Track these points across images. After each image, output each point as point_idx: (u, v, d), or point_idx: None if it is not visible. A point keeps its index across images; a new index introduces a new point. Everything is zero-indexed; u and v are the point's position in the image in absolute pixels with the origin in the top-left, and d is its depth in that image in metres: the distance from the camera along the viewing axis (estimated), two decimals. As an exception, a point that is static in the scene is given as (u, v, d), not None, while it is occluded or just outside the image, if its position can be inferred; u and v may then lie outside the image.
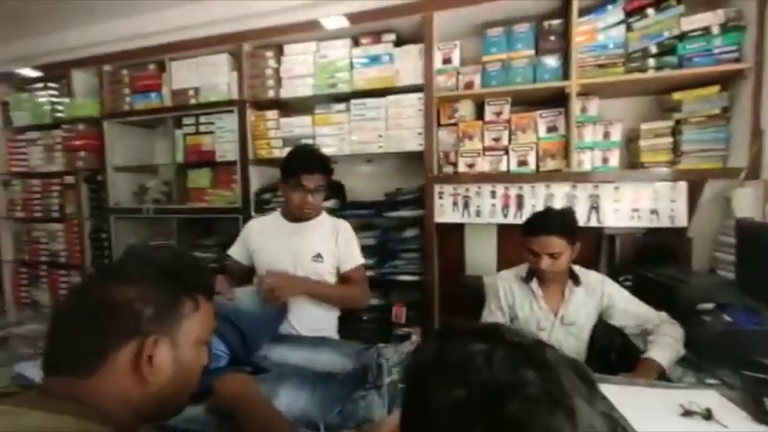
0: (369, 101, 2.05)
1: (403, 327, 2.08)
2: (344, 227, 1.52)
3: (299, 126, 2.20)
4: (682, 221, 1.69)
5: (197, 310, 0.57)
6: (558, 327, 1.29)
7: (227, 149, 2.35)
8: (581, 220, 1.79)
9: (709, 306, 1.26)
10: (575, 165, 1.79)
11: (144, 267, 0.55)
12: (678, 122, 1.72)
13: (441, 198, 2.00)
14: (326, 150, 2.16)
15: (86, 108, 2.63)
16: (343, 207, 2.25)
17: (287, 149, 2.20)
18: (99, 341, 0.50)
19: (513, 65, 1.87)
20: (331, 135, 2.13)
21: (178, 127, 2.45)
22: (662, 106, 1.87)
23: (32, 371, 0.91)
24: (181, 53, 2.39)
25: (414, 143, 1.99)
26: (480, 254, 2.20)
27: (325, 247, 1.44)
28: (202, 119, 2.39)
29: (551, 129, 1.88)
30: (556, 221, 1.26)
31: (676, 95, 1.72)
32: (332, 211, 2.17)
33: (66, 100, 2.73)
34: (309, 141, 2.19)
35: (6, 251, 3.11)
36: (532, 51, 1.84)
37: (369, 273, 1.84)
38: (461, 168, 1.99)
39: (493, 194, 1.93)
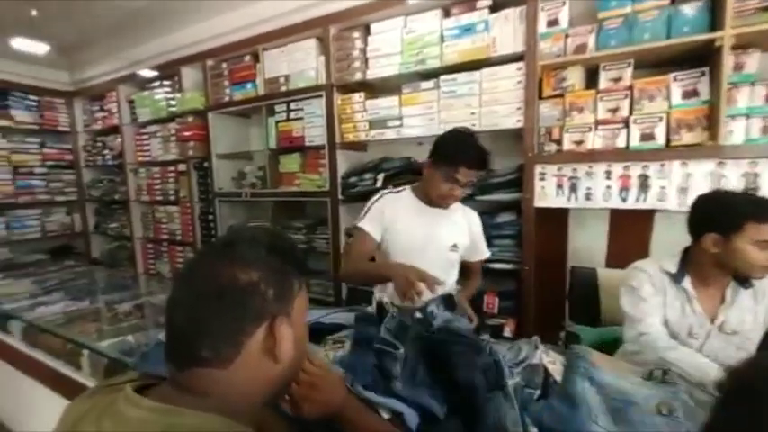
0: (460, 76, 1.91)
1: (494, 317, 1.96)
2: (476, 218, 1.49)
3: (385, 107, 2.15)
4: None
5: (301, 288, 0.56)
6: (716, 335, 1.06)
7: (315, 134, 2.41)
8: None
9: None
10: (723, 137, 1.45)
11: (257, 249, 0.54)
12: None
13: (542, 180, 1.80)
14: (414, 131, 2.09)
15: (194, 101, 2.90)
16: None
17: (374, 132, 2.21)
18: (235, 329, 0.49)
19: (640, 19, 1.56)
20: (418, 115, 2.04)
21: (271, 114, 2.57)
22: None
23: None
24: (272, 42, 2.49)
25: (511, 119, 1.81)
26: (587, 244, 1.96)
27: (460, 237, 1.41)
28: (292, 105, 2.47)
29: (689, 94, 1.54)
30: None
31: None
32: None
33: (178, 95, 3.04)
34: (396, 123, 2.13)
35: (137, 229, 3.66)
36: (666, 0, 1.52)
37: (459, 259, 1.75)
38: (567, 146, 1.76)
39: (608, 175, 1.67)
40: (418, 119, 2.05)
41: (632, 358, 1.06)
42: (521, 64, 1.76)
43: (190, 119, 2.94)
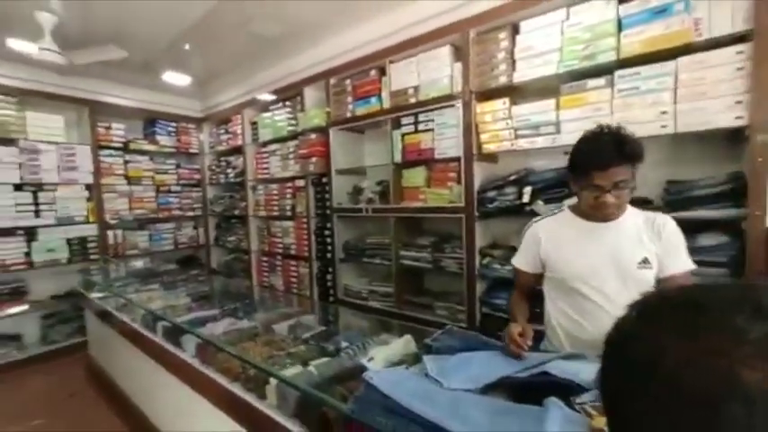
0: (644, 68, 1.59)
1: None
2: (669, 222, 1.17)
3: (536, 112, 1.90)
4: None
5: None
6: None
7: (447, 146, 2.25)
8: None
9: None
10: None
11: (759, 323, 0.31)
12: None
13: (777, 192, 1.38)
14: (575, 137, 1.78)
15: (316, 118, 2.97)
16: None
17: (522, 141, 1.97)
18: None
19: None
20: (584, 118, 1.75)
21: (396, 127, 2.49)
22: None
23: (379, 382, 0.87)
24: (400, 54, 2.42)
25: (727, 116, 1.44)
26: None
27: (648, 249, 1.14)
28: (421, 117, 2.35)
29: None
30: None
31: None
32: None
33: (300, 114, 3.15)
34: (551, 129, 1.87)
35: (253, 243, 3.85)
36: None
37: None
38: (811, 147, 1.33)
39: None
40: (583, 122, 1.76)
41: None
42: (741, 47, 1.39)
43: (312, 136, 3.01)
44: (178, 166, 4.29)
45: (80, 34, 2.66)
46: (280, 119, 3.40)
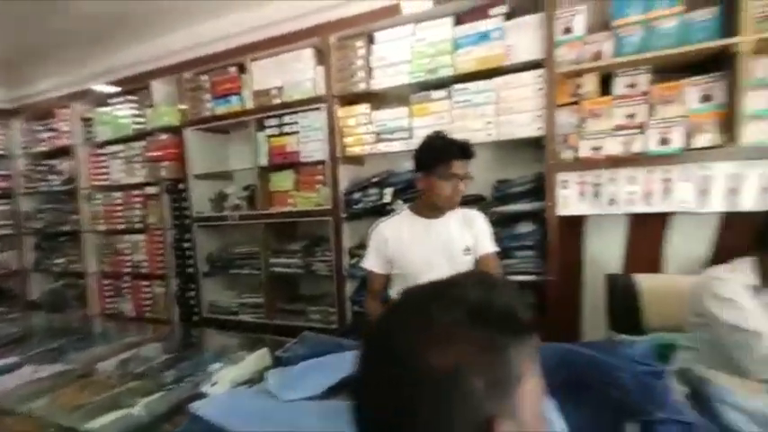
0: (474, 84, 1.85)
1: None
2: (478, 216, 1.45)
3: (393, 118, 2.04)
4: None
5: (531, 365, 0.37)
6: None
7: (313, 149, 2.23)
8: (752, 203, 1.50)
9: None
10: (742, 138, 1.49)
11: (455, 316, 0.35)
12: None
13: (565, 188, 1.75)
14: (424, 142, 1.99)
15: (167, 117, 2.61)
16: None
17: (381, 144, 2.08)
18: None
19: (655, 26, 1.60)
20: (430, 126, 1.93)
21: (260, 129, 2.36)
22: None
23: (210, 410, 0.77)
24: (262, 52, 2.31)
25: (530, 128, 1.77)
26: (604, 250, 1.92)
27: (468, 238, 1.40)
28: (286, 119, 2.29)
29: (705, 98, 1.59)
30: None
31: None
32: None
33: (147, 111, 2.73)
34: (405, 134, 2.02)
35: (90, 263, 3.17)
36: (680, 7, 1.57)
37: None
38: (584, 152, 1.74)
39: (631, 180, 1.66)
40: (429, 129, 1.93)
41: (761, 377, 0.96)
42: (539, 71, 1.74)
43: (163, 136, 2.63)
44: (-29, 172, 3.26)
45: None
46: (122, 115, 2.89)
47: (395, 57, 1.99)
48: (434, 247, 1.34)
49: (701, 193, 1.60)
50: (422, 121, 1.97)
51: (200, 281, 2.64)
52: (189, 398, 1.02)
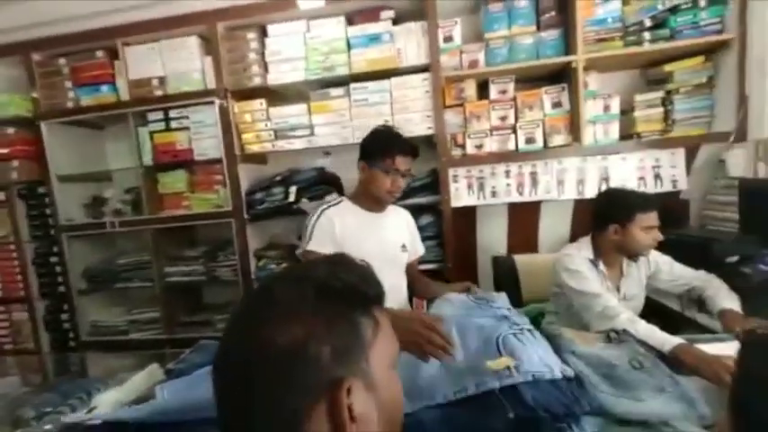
0: (371, 84, 1.92)
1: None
2: (409, 215, 1.54)
3: (292, 115, 2.01)
4: (682, 185, 1.82)
5: (378, 329, 0.43)
6: (622, 304, 1.30)
7: (207, 146, 2.08)
8: (593, 191, 1.87)
9: (734, 258, 1.37)
10: (586, 138, 1.84)
11: (300, 293, 0.40)
12: (668, 93, 1.84)
13: (455, 182, 1.95)
14: (325, 140, 2.02)
15: (12, 106, 2.16)
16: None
17: (281, 142, 2.04)
18: (287, 411, 0.36)
19: (516, 41, 1.86)
20: (330, 123, 1.97)
21: (142, 124, 2.11)
22: (650, 78, 1.98)
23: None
24: (137, 36, 2.05)
25: (422, 126, 1.91)
26: (491, 235, 2.20)
27: (405, 236, 1.46)
28: (173, 113, 2.08)
29: (556, 104, 1.91)
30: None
31: (667, 67, 1.84)
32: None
33: (-17, 99, 2.22)
34: (306, 131, 2.01)
35: None
36: (534, 27, 1.85)
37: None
38: (470, 150, 1.96)
39: (507, 174, 1.93)
40: (330, 127, 1.98)
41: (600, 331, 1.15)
42: (426, 75, 1.88)
43: (9, 130, 2.17)
44: None
45: None
46: (-55, 103, 2.29)
47: (289, 52, 1.95)
48: (378, 241, 1.33)
49: (559, 184, 1.94)
50: (322, 118, 1.98)
51: (76, 300, 2.28)
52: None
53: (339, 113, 1.96)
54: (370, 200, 1.37)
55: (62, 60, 2.13)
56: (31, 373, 1.43)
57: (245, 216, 2.08)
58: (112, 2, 2.07)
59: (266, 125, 2.02)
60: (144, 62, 2.07)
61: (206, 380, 0.91)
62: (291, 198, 2.06)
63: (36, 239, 2.30)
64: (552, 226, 2.11)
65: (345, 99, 1.95)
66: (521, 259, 1.87)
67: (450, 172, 1.94)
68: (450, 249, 1.98)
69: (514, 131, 1.93)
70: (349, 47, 1.92)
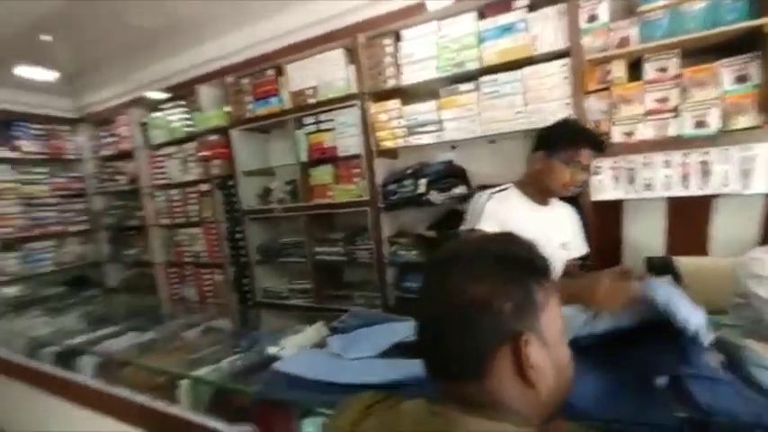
0: (501, 76, 1.91)
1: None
2: (573, 210, 1.44)
3: (422, 112, 2.14)
4: None
5: (549, 297, 0.50)
6: None
7: (349, 144, 2.39)
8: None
9: None
10: (782, 118, 1.47)
11: (482, 258, 0.50)
12: None
13: (597, 173, 1.80)
14: (453, 135, 2.09)
15: (215, 119, 2.85)
16: (471, 193, 2.16)
17: (411, 138, 2.20)
18: (476, 349, 0.47)
19: (683, 10, 1.58)
20: (459, 118, 2.03)
21: (299, 127, 2.54)
22: None
23: (288, 366, 0.98)
24: (296, 55, 2.46)
25: (559, 115, 1.80)
26: (643, 233, 1.95)
27: (567, 233, 1.36)
28: (322, 116, 2.44)
29: (740, 79, 1.56)
30: None
31: None
32: (462, 198, 2.11)
33: (196, 114, 2.99)
34: (434, 127, 2.12)
35: (157, 254, 3.57)
36: (711, -11, 1.53)
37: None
38: (617, 138, 1.77)
39: (666, 164, 1.68)
40: (458, 122, 2.04)
41: None
42: (565, 60, 1.77)
43: (212, 137, 2.89)
44: (51, 176, 3.72)
45: None
46: (174, 119, 3.18)
47: (421, 53, 2.07)
48: (540, 235, 1.29)
49: (742, 175, 1.60)
50: (450, 113, 2.06)
51: (254, 269, 2.93)
52: (261, 359, 1.24)
53: (468, 108, 2.00)
54: (540, 191, 1.29)
55: (245, 80, 2.71)
56: (234, 318, 1.95)
57: (380, 205, 2.33)
58: (278, 29, 2.54)
59: (399, 122, 2.21)
60: (301, 76, 2.48)
61: (367, 337, 1.15)
62: (422, 189, 2.21)
63: (227, 220, 3.02)
64: (731, 225, 1.75)
65: (474, 93, 1.98)
66: (686, 262, 1.62)
67: (593, 163, 1.79)
68: (592, 245, 1.84)
69: (677, 115, 1.66)
70: (480, 41, 1.93)
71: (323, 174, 2.57)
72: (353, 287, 2.66)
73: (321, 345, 1.27)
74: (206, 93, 2.93)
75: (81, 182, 3.93)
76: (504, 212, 1.25)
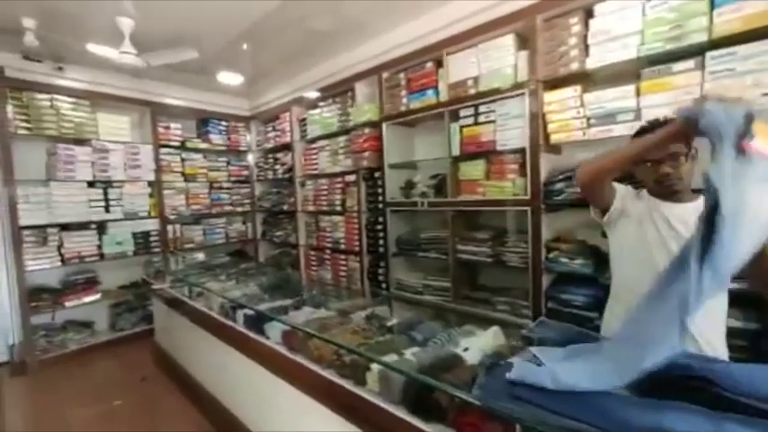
0: (742, 48, 1.48)
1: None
2: None
3: (613, 99, 1.82)
4: None
5: None
6: None
7: (509, 137, 2.21)
8: None
9: None
10: None
11: None
12: None
13: None
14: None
15: (369, 113, 2.98)
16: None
17: (594, 130, 1.90)
18: None
19: None
20: (670, 104, 1.66)
21: (454, 120, 2.46)
22: None
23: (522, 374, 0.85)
24: (459, 45, 2.38)
25: None
26: None
27: None
28: (482, 108, 2.31)
29: None
30: None
31: None
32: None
33: (351, 110, 3.18)
34: (630, 116, 1.79)
35: (301, 237, 3.95)
36: None
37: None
38: None
39: None
40: (666, 108, 1.67)
41: None
42: None
43: (366, 130, 3.03)
44: (228, 164, 4.46)
45: (146, 36, 2.80)
46: (328, 115, 3.45)
47: (620, 29, 1.76)
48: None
49: None
50: (655, 99, 1.70)
51: (390, 260, 2.97)
52: (445, 355, 1.16)
53: (685, 90, 1.62)
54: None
55: (401, 75, 2.76)
56: (387, 306, 1.95)
57: (542, 206, 2.09)
58: (439, 21, 2.50)
59: (578, 112, 1.93)
60: (462, 66, 2.39)
61: (579, 355, 0.96)
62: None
63: (369, 211, 3.13)
64: None
65: (697, 72, 1.59)
66: None
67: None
68: None
69: None
70: (712, 6, 1.54)
71: (474, 168, 2.44)
72: (492, 291, 2.46)
73: (502, 352, 1.13)
74: (362, 89, 3.10)
75: (247, 170, 4.62)
76: (629, 200, 1.21)
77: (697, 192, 1.13)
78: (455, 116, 2.46)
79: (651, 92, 1.71)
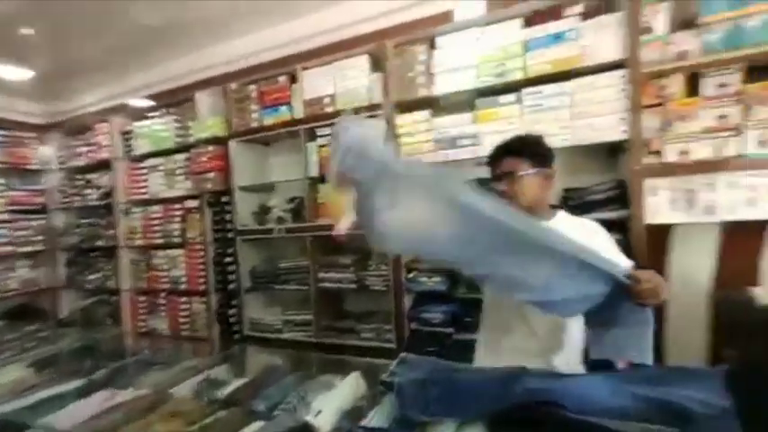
0: (547, 88, 1.77)
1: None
2: (597, 227, 1.20)
3: (455, 125, 1.95)
4: None
5: None
6: None
7: (368, 158, 2.15)
8: None
9: None
10: None
11: None
12: None
13: (654, 195, 1.63)
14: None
15: (213, 128, 2.56)
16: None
17: (441, 153, 1.99)
18: None
19: (746, 22, 1.51)
20: (498, 132, 1.84)
21: (311, 139, 2.30)
22: None
23: None
24: (314, 61, 2.27)
25: (613, 131, 1.67)
26: (690, 262, 1.78)
27: None
28: (339, 127, 2.21)
29: (810, 97, 1.48)
30: None
31: None
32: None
33: (190, 123, 2.69)
34: (469, 141, 1.93)
35: (124, 280, 3.09)
36: (775, 2, 1.48)
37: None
38: (670, 157, 1.63)
39: (732, 185, 1.54)
40: (498, 136, 1.83)
41: None
42: (621, 72, 1.65)
43: (210, 147, 2.58)
44: (8, 188, 3.24)
45: None
46: (162, 128, 2.86)
47: (459, 62, 1.92)
48: None
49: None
50: (489, 127, 1.88)
51: (243, 297, 2.53)
52: (295, 429, 0.90)
53: (508, 121, 1.84)
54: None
55: (252, 87, 2.47)
56: (231, 364, 1.54)
57: (401, 227, 2.06)
58: (294, 33, 2.36)
59: (428, 135, 2.01)
60: (317, 83, 2.27)
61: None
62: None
63: (216, 241, 2.64)
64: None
65: (516, 106, 1.83)
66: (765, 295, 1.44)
67: (647, 183, 1.63)
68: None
69: (738, 133, 1.55)
70: (526, 50, 1.80)
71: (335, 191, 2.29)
72: (357, 318, 2.32)
73: (363, 406, 0.94)
74: (204, 100, 2.66)
75: (42, 195, 3.45)
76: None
77: (556, 208, 1.22)
78: (312, 135, 2.30)
79: (484, 120, 1.89)
